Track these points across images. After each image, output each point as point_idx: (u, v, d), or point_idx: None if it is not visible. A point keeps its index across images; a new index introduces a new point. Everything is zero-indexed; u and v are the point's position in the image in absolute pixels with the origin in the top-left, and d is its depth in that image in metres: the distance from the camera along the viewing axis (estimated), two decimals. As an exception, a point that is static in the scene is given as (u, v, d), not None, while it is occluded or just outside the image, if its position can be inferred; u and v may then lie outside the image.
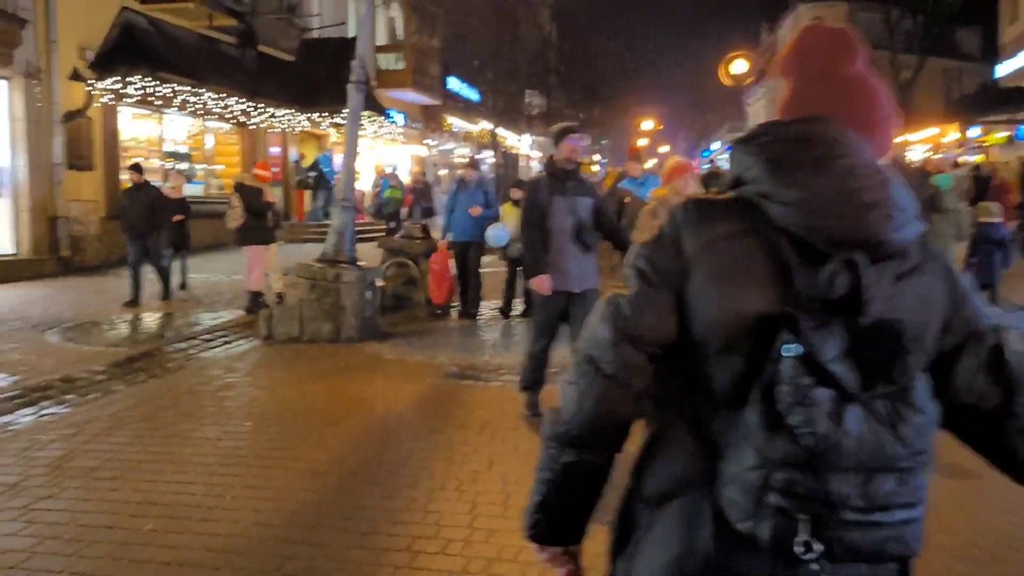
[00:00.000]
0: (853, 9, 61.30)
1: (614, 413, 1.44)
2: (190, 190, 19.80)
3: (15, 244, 14.93)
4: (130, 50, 16.37)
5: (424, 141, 32.67)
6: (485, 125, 39.03)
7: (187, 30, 18.90)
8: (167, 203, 12.91)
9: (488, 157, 45.23)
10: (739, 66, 29.66)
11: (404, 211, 26.19)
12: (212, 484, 4.84)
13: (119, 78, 15.93)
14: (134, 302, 11.79)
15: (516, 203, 9.91)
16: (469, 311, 10.69)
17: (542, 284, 5.64)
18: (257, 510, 4.44)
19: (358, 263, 9.33)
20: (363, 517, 4.34)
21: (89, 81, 15.93)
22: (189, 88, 17.21)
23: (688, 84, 76.56)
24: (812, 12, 62.32)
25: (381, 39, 29.30)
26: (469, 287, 10.76)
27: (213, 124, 20.62)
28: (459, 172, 12.07)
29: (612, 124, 55.22)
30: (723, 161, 73.92)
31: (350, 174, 9.32)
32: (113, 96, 16.21)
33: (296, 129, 22.95)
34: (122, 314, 11.28)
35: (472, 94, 38.33)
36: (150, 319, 11.03)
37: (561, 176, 5.70)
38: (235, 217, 11.28)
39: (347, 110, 22.56)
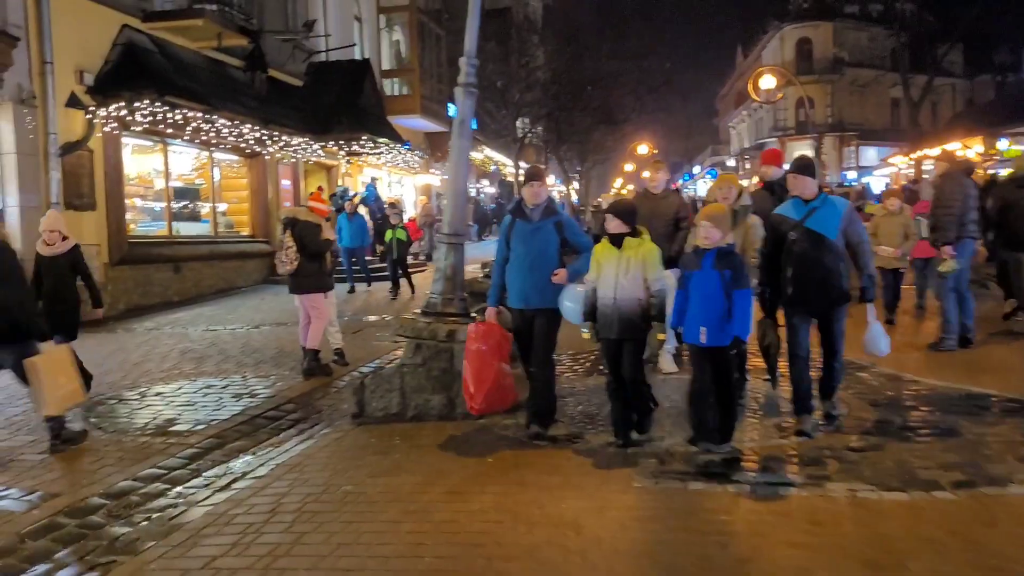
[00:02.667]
0: (839, 28, 60.96)
1: None
2: (196, 229, 17.78)
3: (7, 298, 12.71)
4: (134, 72, 14.31)
5: (431, 170, 30.70)
6: (491, 153, 37.17)
7: (192, 51, 16.86)
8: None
9: (485, 187, 43.51)
10: (767, 81, 28.23)
11: (416, 246, 24.25)
12: None
13: (123, 103, 13.85)
14: None
15: (616, 239, 5.81)
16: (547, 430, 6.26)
17: None
18: None
19: (472, 315, 7.29)
20: None
21: (89, 108, 13.84)
22: (201, 114, 15.13)
23: (670, 108, 75.67)
24: (798, 32, 61.73)
25: (387, 63, 27.40)
26: (542, 389, 6.27)
27: (220, 156, 18.53)
28: (520, 192, 7.17)
29: (615, 148, 53.50)
30: (704, 184, 72.53)
31: (461, 200, 7.28)
32: (117, 124, 14.12)
33: (311, 160, 20.90)
34: (152, 384, 9.13)
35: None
36: (191, 389, 8.87)
37: None
38: (289, 259, 9.20)
39: (365, 137, 20.75)
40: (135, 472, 6.05)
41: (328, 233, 9.62)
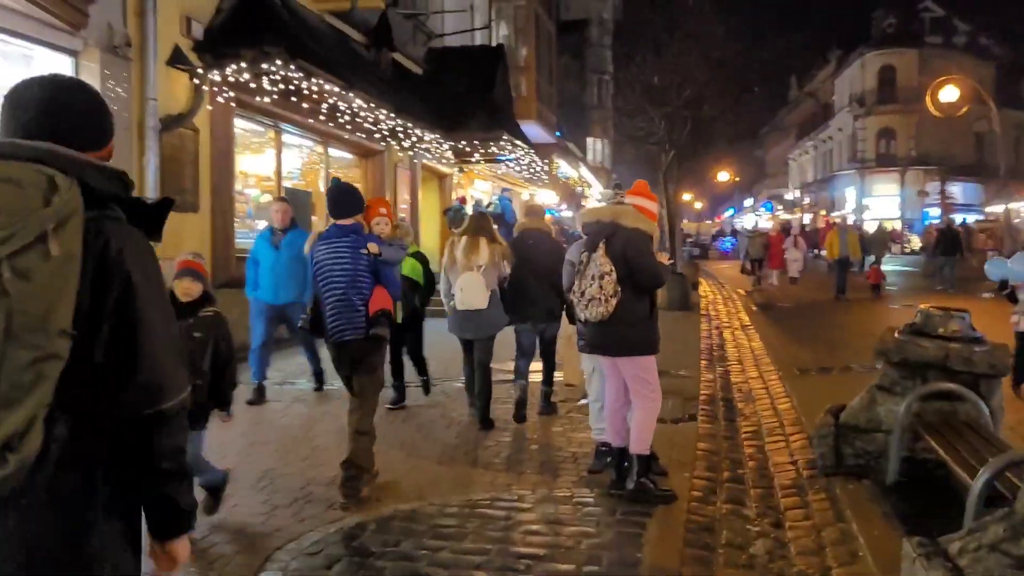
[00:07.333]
0: (926, 56, 56.51)
1: None
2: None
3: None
4: (257, 24, 10.45)
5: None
6: (585, 173, 33.22)
7: (317, 16, 13.06)
8: None
9: (563, 209, 39.45)
10: (949, 93, 24.11)
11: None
12: None
13: (244, 64, 9.98)
14: None
15: None
16: None
17: None
18: None
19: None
20: None
21: (197, 69, 9.98)
22: (338, 90, 11.24)
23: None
24: (881, 60, 57.48)
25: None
26: None
27: (334, 153, 14.64)
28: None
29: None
30: (750, 219, 67.80)
31: None
32: (233, 94, 10.24)
33: (441, 162, 16.99)
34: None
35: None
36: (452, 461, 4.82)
37: None
38: (604, 296, 5.19)
39: (505, 137, 16.79)
40: None
41: (658, 251, 5.64)
